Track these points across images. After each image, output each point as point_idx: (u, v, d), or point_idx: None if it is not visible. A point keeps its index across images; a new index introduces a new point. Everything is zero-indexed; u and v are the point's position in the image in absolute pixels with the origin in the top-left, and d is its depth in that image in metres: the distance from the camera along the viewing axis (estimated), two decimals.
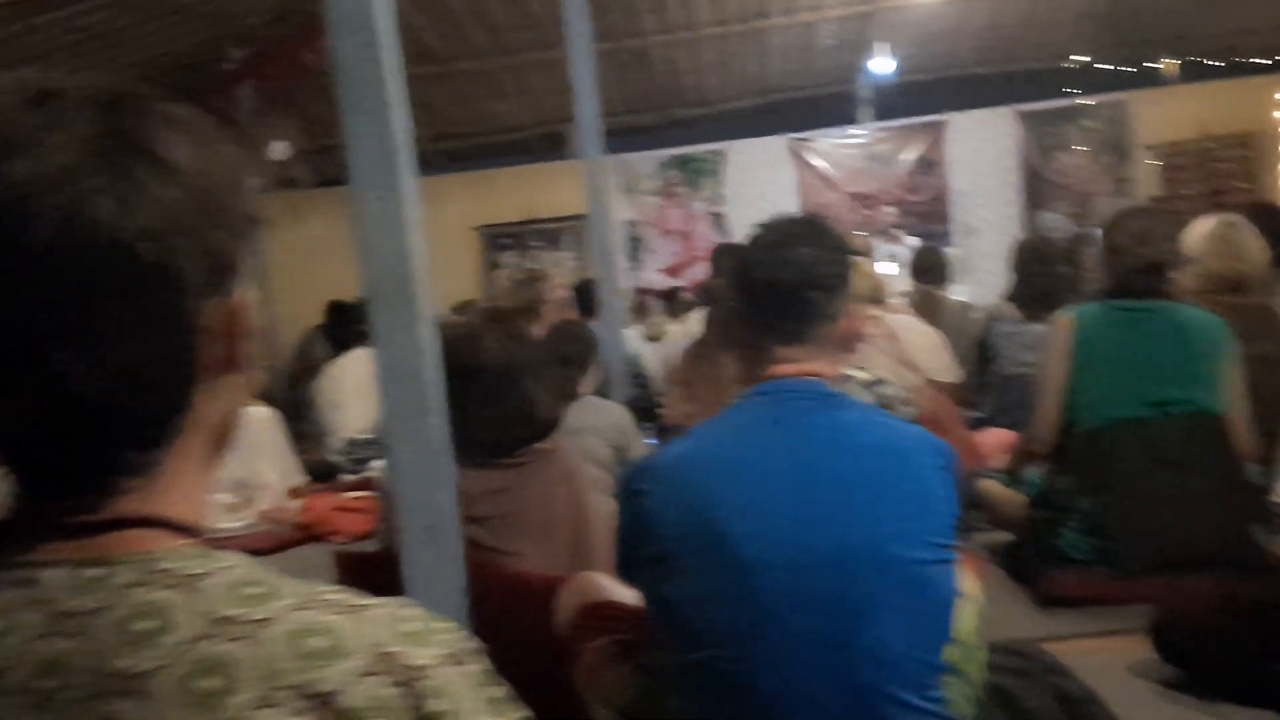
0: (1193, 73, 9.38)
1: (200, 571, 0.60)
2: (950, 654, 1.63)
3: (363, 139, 1.97)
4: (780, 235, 1.58)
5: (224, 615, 0.58)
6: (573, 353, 3.41)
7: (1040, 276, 4.25)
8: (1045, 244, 4.49)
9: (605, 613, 1.79)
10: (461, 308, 5.41)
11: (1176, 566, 2.53)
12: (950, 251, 8.98)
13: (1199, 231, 3.24)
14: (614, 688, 1.68)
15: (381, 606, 0.63)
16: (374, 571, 2.24)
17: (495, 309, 2.39)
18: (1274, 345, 3.15)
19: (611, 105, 6.52)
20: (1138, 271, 2.70)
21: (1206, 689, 2.06)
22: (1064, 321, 2.78)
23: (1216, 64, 9.34)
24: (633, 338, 6.37)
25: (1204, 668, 2.07)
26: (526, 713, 0.68)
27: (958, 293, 6.83)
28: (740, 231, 8.80)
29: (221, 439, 0.68)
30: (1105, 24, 8.79)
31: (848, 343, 1.61)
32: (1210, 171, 9.39)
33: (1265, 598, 2.02)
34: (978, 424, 4.31)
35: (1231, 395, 2.66)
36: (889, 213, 9.37)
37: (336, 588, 0.65)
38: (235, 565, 0.62)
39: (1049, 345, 2.80)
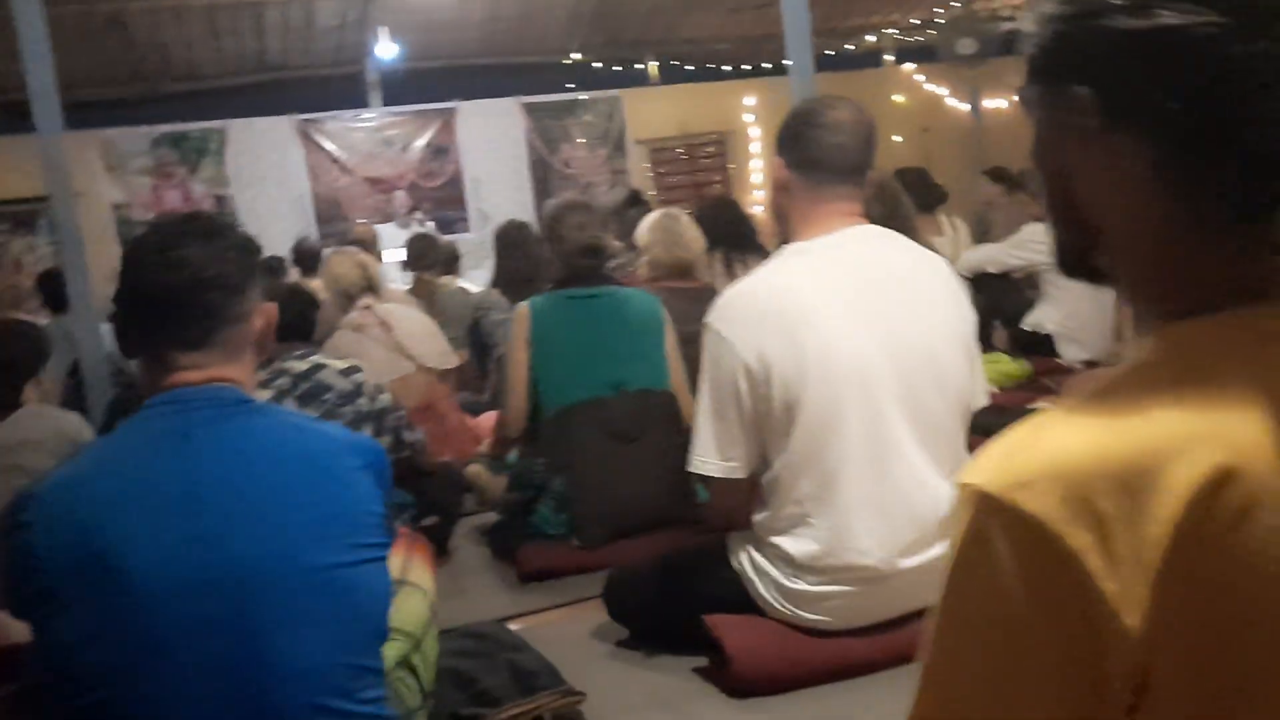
0: (673, 75, 10.35)
1: None
2: (393, 650, 1.64)
3: None
4: (168, 235, 1.47)
5: None
6: (13, 356, 2.99)
7: (519, 261, 4.42)
8: (521, 229, 4.67)
9: (6, 657, 1.58)
10: None
11: (634, 531, 2.76)
12: (467, 238, 9.19)
13: (644, 226, 3.55)
14: None
15: None
16: None
17: None
18: None
19: (87, 76, 5.83)
20: (581, 260, 2.89)
21: (648, 642, 2.25)
22: (523, 311, 2.92)
23: (692, 68, 10.37)
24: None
25: (643, 622, 2.26)
26: None
27: (473, 279, 6.97)
28: (248, 215, 8.34)
29: None
30: (596, 25, 9.41)
31: (263, 342, 1.54)
32: (693, 165, 10.48)
33: (690, 552, 2.24)
34: (481, 409, 4.43)
35: (672, 368, 2.93)
36: (403, 197, 9.34)
37: None
38: None
39: (512, 335, 2.93)
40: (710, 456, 1.96)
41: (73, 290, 4.73)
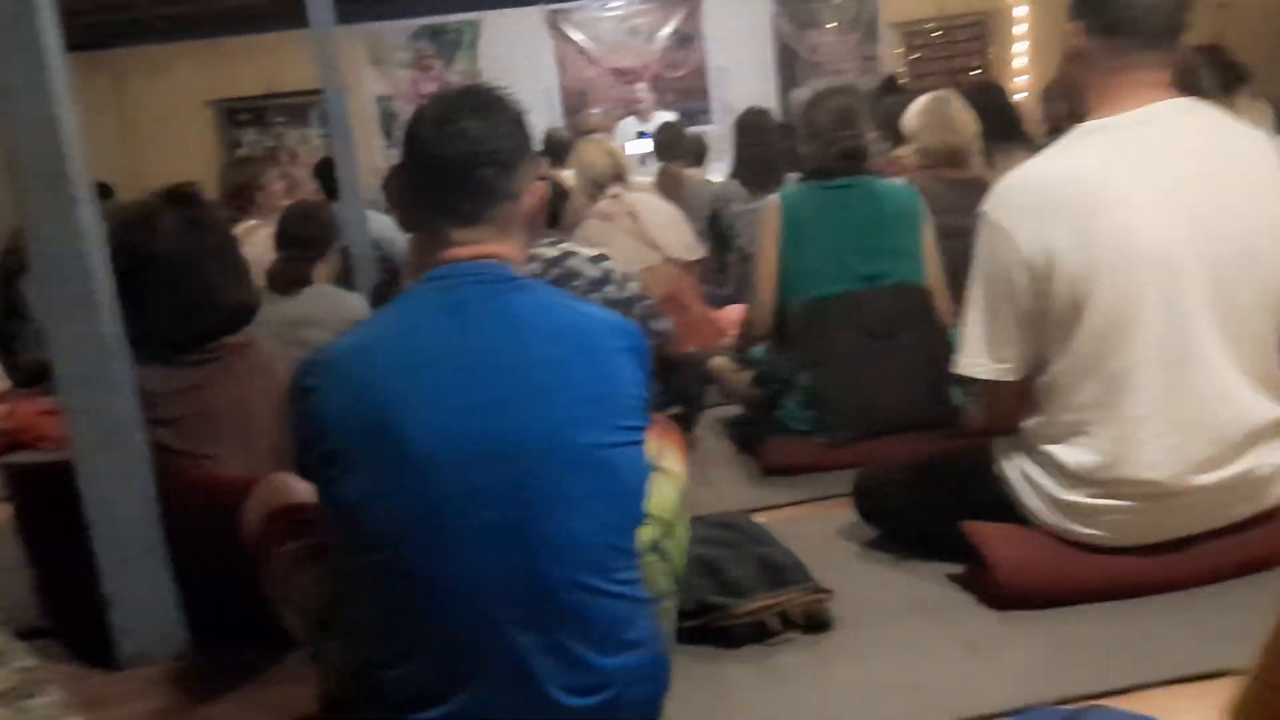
0: None
1: None
2: (646, 533, 1.64)
3: None
4: (447, 109, 1.47)
5: None
6: (306, 236, 3.20)
7: (758, 150, 4.30)
8: (761, 116, 4.52)
9: (294, 516, 1.69)
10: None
11: (884, 431, 2.66)
12: (710, 129, 9.07)
13: (914, 110, 3.34)
14: (304, 592, 1.60)
15: None
16: (49, 482, 2.04)
17: (176, 188, 2.16)
18: None
19: None
20: (838, 151, 2.75)
21: (900, 545, 2.17)
22: (772, 203, 2.82)
23: None
24: (384, 220, 6.08)
25: (896, 525, 2.18)
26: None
27: (718, 171, 6.90)
28: None
29: None
30: None
31: (533, 221, 1.53)
32: (950, 49, 9.84)
33: (951, 456, 2.13)
34: (722, 302, 4.40)
35: (929, 263, 2.77)
36: (647, 89, 9.30)
37: None
38: None
39: (760, 227, 2.84)
40: (980, 357, 1.83)
41: (343, 178, 5.01)
